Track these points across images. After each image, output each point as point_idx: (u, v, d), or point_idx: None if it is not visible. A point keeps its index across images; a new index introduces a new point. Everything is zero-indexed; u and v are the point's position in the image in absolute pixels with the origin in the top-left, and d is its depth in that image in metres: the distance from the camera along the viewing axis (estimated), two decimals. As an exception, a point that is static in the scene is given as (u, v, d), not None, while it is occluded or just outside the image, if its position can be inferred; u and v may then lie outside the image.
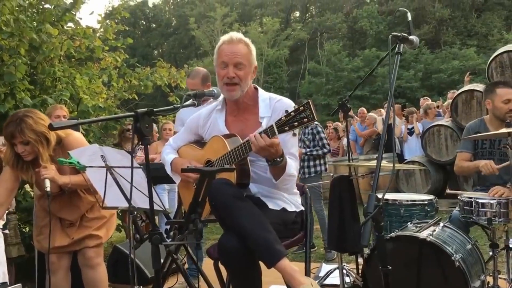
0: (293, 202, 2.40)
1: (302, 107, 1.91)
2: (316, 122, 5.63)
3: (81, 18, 5.57)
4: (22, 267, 4.54)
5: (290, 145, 2.30)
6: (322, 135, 5.47)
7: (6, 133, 2.69)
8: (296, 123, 1.93)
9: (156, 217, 5.03)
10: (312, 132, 5.38)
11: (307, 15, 41.29)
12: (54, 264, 3.02)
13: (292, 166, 2.24)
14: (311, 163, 5.40)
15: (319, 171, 5.43)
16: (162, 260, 3.64)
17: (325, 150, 5.41)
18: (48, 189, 2.60)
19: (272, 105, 2.34)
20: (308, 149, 5.33)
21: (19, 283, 2.82)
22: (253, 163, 2.26)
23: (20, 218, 5.05)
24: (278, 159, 2.09)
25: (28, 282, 4.34)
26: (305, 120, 1.90)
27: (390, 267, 1.73)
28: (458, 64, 26.56)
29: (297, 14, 42.57)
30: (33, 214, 3.15)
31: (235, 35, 2.33)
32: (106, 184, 2.28)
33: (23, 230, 5.09)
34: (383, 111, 9.98)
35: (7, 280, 3.39)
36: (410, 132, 8.48)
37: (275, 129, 1.98)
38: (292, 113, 1.93)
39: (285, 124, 1.95)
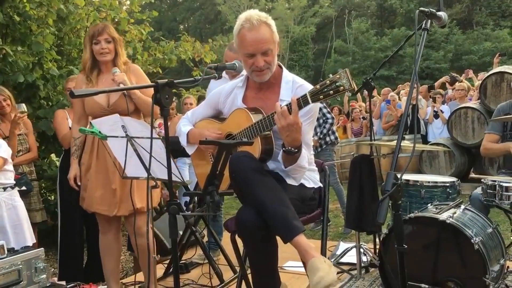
0: (311, 178, 2.39)
1: (338, 76, 1.84)
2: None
3: (107, -10, 5.56)
4: (46, 233, 4.69)
5: (305, 132, 2.22)
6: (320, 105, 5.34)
7: (94, 31, 2.92)
8: (331, 92, 1.85)
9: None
10: None
11: (336, -9, 40.41)
12: (105, 226, 3.10)
13: (305, 158, 2.19)
14: (321, 136, 5.31)
15: (329, 141, 5.34)
16: (181, 232, 3.72)
17: (330, 121, 5.25)
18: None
19: (294, 89, 2.28)
20: (317, 137, 5.23)
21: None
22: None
23: (46, 187, 5.19)
24: (293, 149, 2.05)
25: (52, 249, 4.50)
26: (342, 88, 1.83)
27: (406, 246, 1.72)
28: (490, 45, 25.67)
29: (326, -10, 41.71)
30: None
31: (254, 17, 2.18)
32: (127, 154, 2.31)
33: (48, 198, 5.24)
34: (403, 91, 9.75)
35: (35, 241, 3.51)
36: (436, 114, 8.30)
37: (309, 98, 1.91)
38: (328, 82, 1.87)
39: (319, 92, 1.88)
